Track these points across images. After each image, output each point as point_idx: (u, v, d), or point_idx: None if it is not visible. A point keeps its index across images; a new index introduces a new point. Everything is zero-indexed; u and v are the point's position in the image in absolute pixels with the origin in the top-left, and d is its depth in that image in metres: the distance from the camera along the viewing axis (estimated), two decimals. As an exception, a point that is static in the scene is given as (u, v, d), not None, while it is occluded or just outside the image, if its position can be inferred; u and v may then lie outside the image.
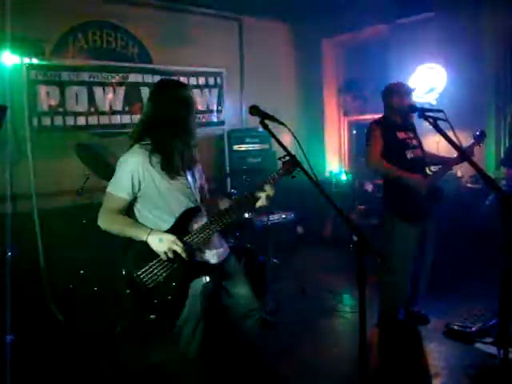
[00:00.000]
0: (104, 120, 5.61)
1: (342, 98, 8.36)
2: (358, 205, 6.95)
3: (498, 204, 3.03)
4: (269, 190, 2.76)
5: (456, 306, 4.63)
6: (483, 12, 6.06)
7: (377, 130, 4.01)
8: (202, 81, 6.46)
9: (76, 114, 5.42)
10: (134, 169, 2.52)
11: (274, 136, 2.32)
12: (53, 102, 5.28)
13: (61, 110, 5.32)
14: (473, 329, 4.02)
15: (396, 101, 4.01)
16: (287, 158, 2.60)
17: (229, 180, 6.49)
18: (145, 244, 2.51)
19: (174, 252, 2.50)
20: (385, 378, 3.56)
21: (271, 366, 3.72)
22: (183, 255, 2.52)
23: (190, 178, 2.71)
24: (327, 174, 8.05)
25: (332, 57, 8.26)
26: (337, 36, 7.89)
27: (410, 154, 3.99)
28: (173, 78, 2.95)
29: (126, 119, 5.81)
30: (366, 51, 7.74)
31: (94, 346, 4.10)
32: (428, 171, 4.34)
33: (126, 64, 6.06)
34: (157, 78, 5.99)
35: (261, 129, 2.42)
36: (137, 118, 5.87)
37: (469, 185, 6.10)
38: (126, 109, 5.80)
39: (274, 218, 6.55)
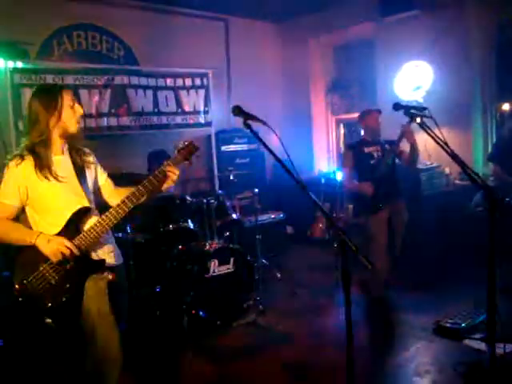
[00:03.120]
0: (90, 123, 5.57)
1: (329, 97, 8.36)
2: (347, 203, 6.95)
3: (485, 200, 3.10)
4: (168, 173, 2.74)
5: (445, 303, 4.64)
6: (469, 9, 6.10)
7: (348, 152, 5.13)
8: (188, 82, 6.43)
9: (62, 117, 5.38)
10: (19, 176, 2.55)
11: (256, 136, 2.31)
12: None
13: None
14: (462, 325, 4.03)
15: (363, 124, 5.12)
16: (185, 143, 2.76)
17: (217, 181, 6.48)
18: (34, 249, 2.51)
19: (63, 254, 2.50)
20: (374, 376, 3.57)
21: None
22: (71, 256, 2.52)
23: (80, 178, 2.72)
24: (316, 173, 8.06)
25: (319, 56, 8.26)
26: (323, 35, 7.90)
27: (373, 161, 4.97)
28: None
29: (113, 122, 5.78)
30: (352, 50, 7.78)
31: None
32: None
33: (112, 66, 6.05)
34: (143, 80, 5.99)
35: (248, 129, 2.41)
36: (123, 120, 5.86)
37: (457, 181, 6.13)
38: (113, 111, 5.77)
39: (263, 218, 6.56)
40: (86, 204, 2.68)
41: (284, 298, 5.20)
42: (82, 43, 6.16)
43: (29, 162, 2.55)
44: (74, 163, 2.72)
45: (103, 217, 2.64)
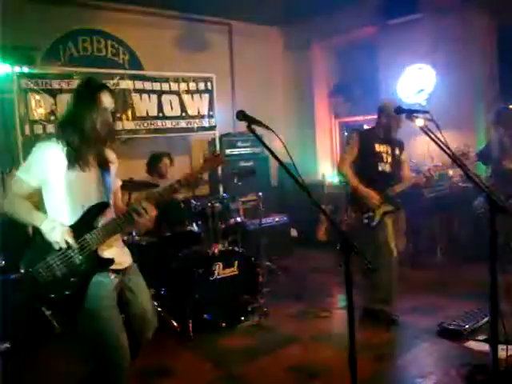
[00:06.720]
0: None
1: (332, 100, 8.39)
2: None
3: (487, 203, 3.13)
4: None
5: (448, 304, 4.66)
6: (471, 12, 6.12)
7: (356, 138, 4.50)
8: (192, 86, 6.49)
9: (67, 122, 5.42)
10: (45, 156, 2.54)
11: (260, 140, 2.33)
12: (44, 110, 5.29)
13: (52, 117, 5.33)
14: (465, 327, 4.04)
15: (383, 119, 4.43)
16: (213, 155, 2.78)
17: (221, 184, 6.51)
18: (43, 236, 2.51)
19: (68, 244, 2.48)
20: (377, 378, 3.58)
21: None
22: (74, 246, 2.50)
23: (104, 175, 2.69)
24: (319, 177, 8.08)
25: (322, 59, 8.30)
26: (326, 39, 7.93)
27: (381, 167, 4.45)
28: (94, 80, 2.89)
29: (118, 126, 5.82)
30: (355, 53, 7.79)
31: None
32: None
33: (117, 71, 6.10)
34: (147, 84, 6.04)
35: (252, 133, 2.43)
36: (128, 124, 5.91)
37: (460, 184, 6.13)
38: (118, 115, 5.81)
39: (267, 221, 6.57)
40: (106, 200, 2.65)
41: (288, 300, 5.22)
42: (88, 48, 6.21)
43: (59, 147, 2.55)
44: (99, 158, 2.70)
45: (119, 216, 2.61)
